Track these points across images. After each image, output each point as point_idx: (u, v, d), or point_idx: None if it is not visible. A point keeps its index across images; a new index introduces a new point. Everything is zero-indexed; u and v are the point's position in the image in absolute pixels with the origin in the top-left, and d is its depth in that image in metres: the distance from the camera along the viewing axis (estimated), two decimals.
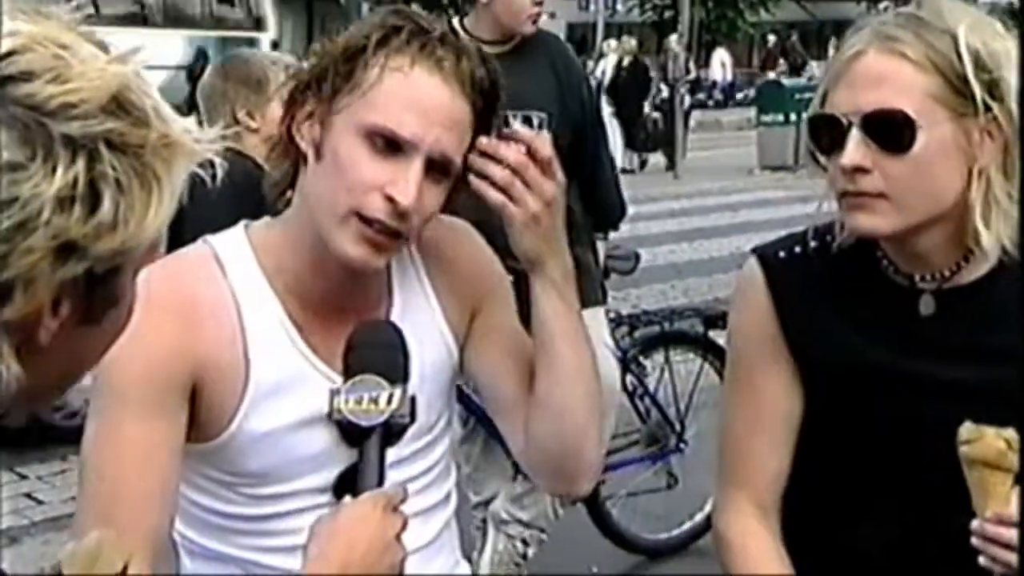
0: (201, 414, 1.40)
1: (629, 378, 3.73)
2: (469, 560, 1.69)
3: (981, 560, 1.29)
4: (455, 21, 3.19)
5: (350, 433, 1.24)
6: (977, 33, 1.35)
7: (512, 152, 1.39)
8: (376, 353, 1.27)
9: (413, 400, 1.25)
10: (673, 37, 15.99)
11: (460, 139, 1.37)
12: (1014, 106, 1.34)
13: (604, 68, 15.82)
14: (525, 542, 3.39)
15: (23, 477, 4.45)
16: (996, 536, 1.28)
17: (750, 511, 1.53)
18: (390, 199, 1.32)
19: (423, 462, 1.51)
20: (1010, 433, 1.28)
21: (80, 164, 0.76)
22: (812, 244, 1.51)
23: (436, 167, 1.35)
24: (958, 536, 1.46)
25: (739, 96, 27.31)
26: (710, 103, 26.45)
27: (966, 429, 1.30)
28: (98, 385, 1.38)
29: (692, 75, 15.33)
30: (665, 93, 15.08)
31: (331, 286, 1.42)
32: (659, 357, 3.83)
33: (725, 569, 1.56)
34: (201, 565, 1.51)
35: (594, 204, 3.34)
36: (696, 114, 19.48)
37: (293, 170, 1.42)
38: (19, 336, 0.78)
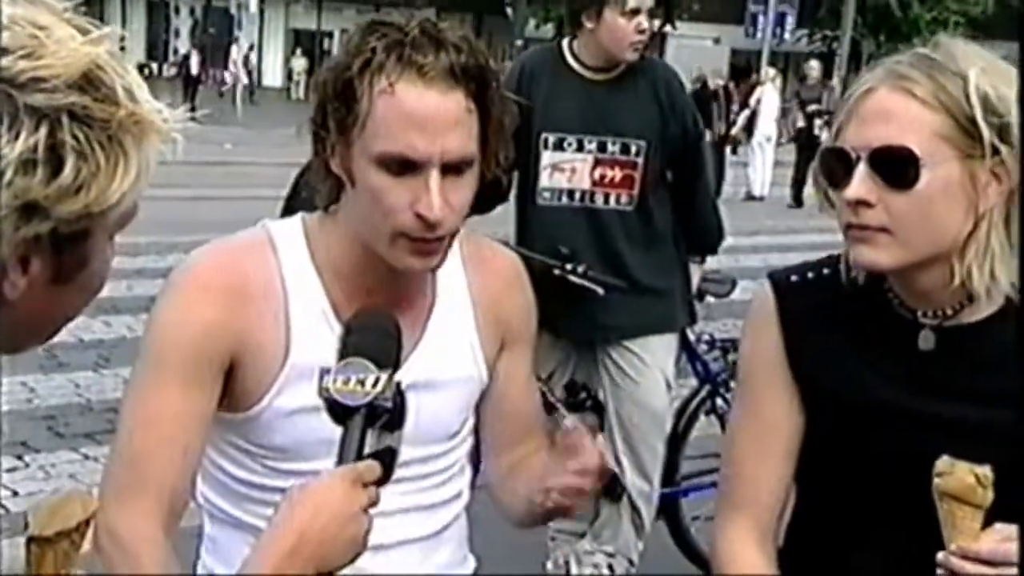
0: (237, 387, 1.48)
1: (720, 401, 3.71)
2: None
3: None
4: (565, 43, 3.25)
5: (336, 411, 1.25)
6: (988, 77, 1.33)
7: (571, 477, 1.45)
8: (370, 338, 1.29)
9: (399, 387, 1.27)
10: (813, 63, 15.48)
11: (467, 131, 1.39)
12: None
13: (760, 96, 15.59)
14: (611, 568, 3.41)
15: None
16: (959, 569, 1.27)
17: (749, 533, 1.53)
18: (420, 216, 1.38)
19: (442, 461, 1.59)
20: (983, 470, 1.27)
21: (42, 131, 0.83)
22: (825, 272, 1.51)
23: (453, 168, 1.39)
24: None
25: None
26: None
27: (941, 462, 1.29)
28: (143, 348, 1.48)
29: (824, 106, 14.83)
30: (801, 122, 14.63)
31: (377, 282, 1.49)
32: None
33: None
34: (219, 528, 1.59)
35: (691, 228, 3.36)
36: None
37: (338, 185, 1.47)
38: None
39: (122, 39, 0.93)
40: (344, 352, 1.28)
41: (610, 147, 3.16)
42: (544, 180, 3.18)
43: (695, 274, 3.44)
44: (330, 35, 35.00)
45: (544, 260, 3.12)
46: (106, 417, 4.95)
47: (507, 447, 1.69)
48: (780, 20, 29.71)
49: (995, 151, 1.32)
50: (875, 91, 1.36)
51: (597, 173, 3.18)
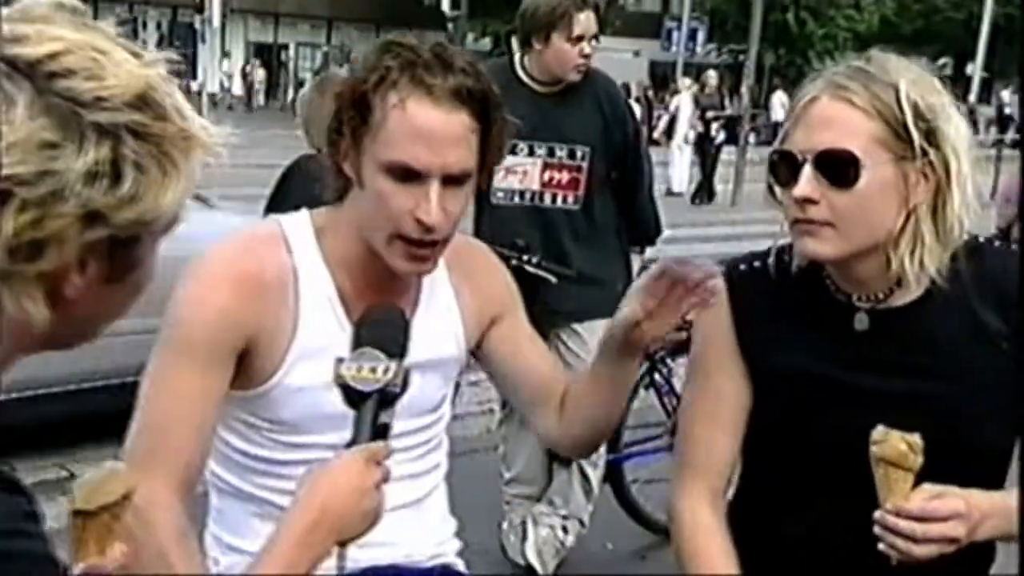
0: (249, 367, 1.48)
1: (657, 376, 3.74)
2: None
3: (880, 547, 1.32)
4: (516, 59, 3.26)
5: (350, 396, 1.27)
6: (916, 87, 1.37)
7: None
8: (380, 330, 1.30)
9: (407, 373, 1.28)
10: (711, 72, 15.56)
11: (468, 148, 1.41)
12: (949, 152, 1.36)
13: (678, 103, 15.71)
14: (565, 529, 3.43)
15: None
16: (894, 526, 1.31)
17: (703, 495, 1.55)
18: (419, 221, 1.40)
19: (424, 434, 1.60)
20: (913, 438, 1.31)
21: (106, 147, 0.83)
22: (770, 261, 1.54)
23: (453, 180, 1.41)
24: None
25: None
26: (770, 140, 26.16)
27: (877, 432, 1.33)
28: (163, 333, 1.47)
29: (728, 111, 14.86)
30: (700, 127, 14.71)
31: (377, 272, 1.49)
32: (684, 359, 3.83)
33: (675, 543, 1.58)
34: (225, 500, 1.59)
35: (633, 222, 3.40)
36: (762, 149, 19.16)
37: (346, 183, 1.48)
38: (49, 286, 0.85)
39: None
40: (358, 342, 1.29)
41: (558, 152, 3.20)
42: (498, 181, 3.19)
43: (635, 263, 3.47)
44: (285, 47, 34.60)
45: (502, 251, 3.12)
46: None
47: (542, 402, 1.68)
48: (692, 35, 30.02)
49: (924, 153, 1.36)
50: (818, 100, 1.38)
51: (546, 175, 3.21)
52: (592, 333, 3.29)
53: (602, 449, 3.43)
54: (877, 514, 1.32)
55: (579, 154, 3.19)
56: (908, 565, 1.34)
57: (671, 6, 36.15)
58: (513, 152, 3.16)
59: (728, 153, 15.32)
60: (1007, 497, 1.37)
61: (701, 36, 30.19)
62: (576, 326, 3.30)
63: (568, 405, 1.64)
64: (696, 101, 14.98)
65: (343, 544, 1.22)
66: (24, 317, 0.85)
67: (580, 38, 3.11)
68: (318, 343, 1.46)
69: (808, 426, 1.48)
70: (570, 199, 3.22)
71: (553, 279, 3.17)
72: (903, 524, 1.30)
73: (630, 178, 3.34)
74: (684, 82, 17.51)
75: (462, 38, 26.30)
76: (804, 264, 1.48)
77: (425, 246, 1.43)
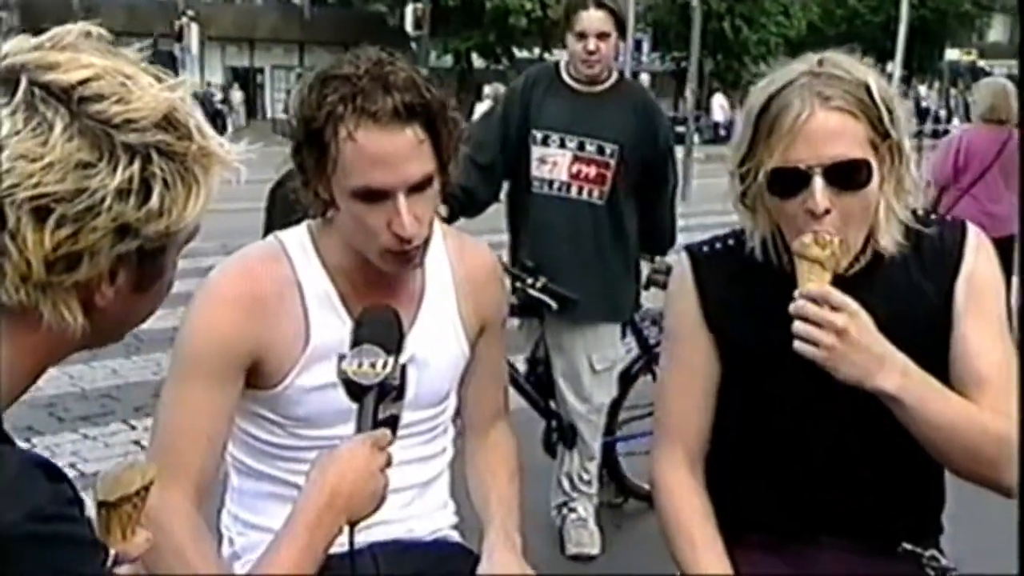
0: (262, 372, 1.48)
1: (655, 366, 3.72)
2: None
3: (796, 344, 1.32)
4: (561, 62, 3.24)
5: (352, 390, 1.28)
6: (875, 79, 1.38)
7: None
8: (377, 329, 1.31)
9: (404, 367, 1.30)
10: (644, 76, 15.65)
11: (423, 156, 1.38)
12: (903, 132, 1.38)
13: None
14: (573, 509, 3.45)
15: (133, 428, 4.56)
16: (802, 309, 1.32)
17: (681, 461, 1.56)
18: (395, 234, 1.39)
19: (433, 422, 1.61)
20: (824, 236, 1.35)
21: (136, 165, 0.84)
22: (731, 243, 1.56)
23: (417, 187, 1.39)
24: (852, 491, 1.50)
25: None
26: (713, 139, 26.42)
27: (806, 236, 1.36)
28: (176, 355, 1.47)
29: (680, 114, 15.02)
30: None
31: (374, 275, 1.49)
32: None
33: (656, 506, 1.59)
34: (244, 480, 1.60)
35: (650, 229, 3.33)
36: (707, 148, 19.39)
37: (326, 204, 1.46)
38: (84, 296, 0.86)
39: None
40: (357, 340, 1.30)
41: (588, 147, 3.16)
42: (533, 170, 3.19)
43: (645, 268, 3.42)
44: (261, 71, 34.31)
45: (510, 270, 3.11)
46: (99, 403, 4.85)
47: (475, 431, 1.74)
48: (638, 45, 30.06)
49: (888, 136, 1.37)
50: (814, 115, 1.35)
51: (575, 168, 3.16)
52: (581, 335, 3.28)
53: (601, 428, 3.46)
54: (791, 306, 1.33)
55: (608, 151, 3.14)
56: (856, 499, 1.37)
57: None
58: (546, 143, 3.17)
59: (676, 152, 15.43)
60: (949, 395, 1.38)
61: (646, 46, 30.27)
62: (572, 322, 3.25)
63: (468, 471, 1.72)
64: None
65: (353, 524, 1.23)
66: (61, 326, 0.86)
67: (583, 34, 3.09)
68: (327, 345, 1.46)
69: (767, 395, 1.50)
70: (595, 193, 3.16)
71: (554, 304, 3.15)
72: (811, 308, 1.31)
73: (655, 186, 3.28)
74: None
75: (425, 56, 26.28)
76: (761, 245, 1.48)
77: (409, 251, 1.43)
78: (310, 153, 1.39)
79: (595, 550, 3.40)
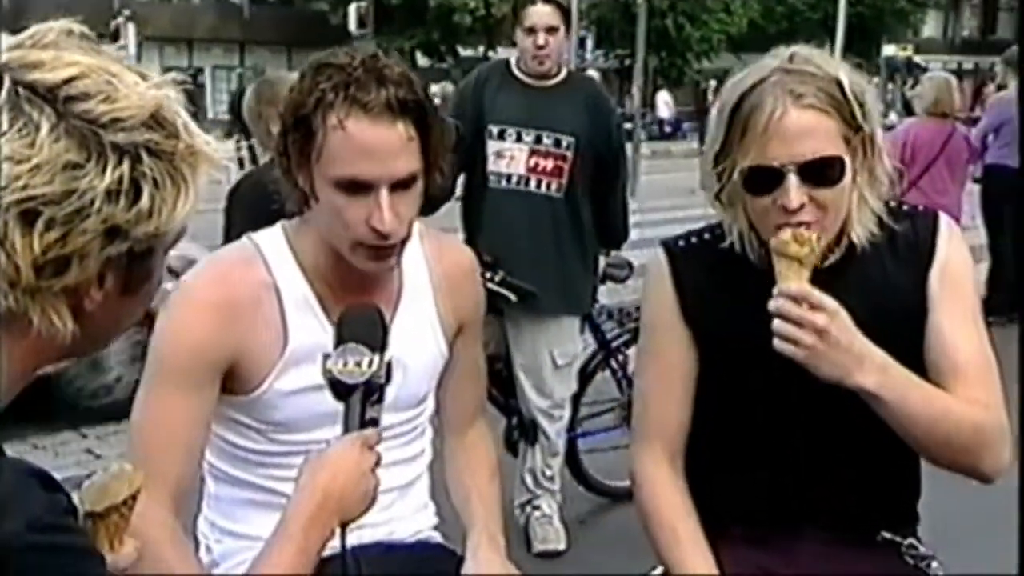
0: (238, 378, 1.45)
1: (612, 361, 3.75)
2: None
3: (775, 342, 1.33)
4: (512, 58, 3.27)
5: (338, 389, 1.26)
6: (846, 74, 1.39)
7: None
8: (361, 327, 1.29)
9: (389, 365, 1.27)
10: (592, 73, 15.81)
11: (410, 154, 1.37)
12: (874, 123, 1.39)
13: None
14: (536, 507, 3.47)
15: (84, 436, 4.47)
16: (781, 307, 1.32)
17: (661, 458, 1.56)
18: (374, 228, 1.37)
19: (410, 424, 1.60)
20: (809, 234, 1.35)
21: (125, 165, 0.81)
22: (706, 237, 1.56)
23: (401, 184, 1.37)
24: (830, 482, 1.51)
25: (686, 130, 27.54)
26: (659, 135, 26.69)
27: (785, 234, 1.36)
28: (151, 361, 1.43)
29: (625, 110, 15.09)
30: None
31: (351, 275, 1.47)
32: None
33: (636, 501, 1.59)
34: (221, 487, 1.57)
35: (603, 224, 3.35)
36: (653, 144, 19.56)
37: (304, 195, 1.44)
38: (73, 300, 0.83)
39: None
40: (340, 339, 1.28)
41: (544, 140, 3.18)
42: (490, 165, 3.19)
43: (601, 261, 3.45)
44: (201, 71, 33.82)
45: None
46: None
47: (454, 431, 1.72)
48: (581, 43, 30.19)
49: (860, 128, 1.38)
50: (787, 113, 1.35)
51: (532, 161, 3.18)
52: (543, 329, 3.28)
53: (564, 422, 3.46)
54: (770, 304, 1.33)
55: (564, 143, 3.17)
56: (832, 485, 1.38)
57: None
58: (502, 137, 3.18)
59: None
60: (927, 388, 1.39)
61: (590, 44, 30.42)
62: (533, 317, 3.26)
63: (448, 471, 1.71)
64: None
65: (344, 524, 1.22)
66: (51, 331, 0.83)
67: (533, 29, 3.12)
68: (305, 348, 1.44)
69: (745, 389, 1.50)
70: (553, 186, 3.19)
71: (514, 297, 3.15)
72: (790, 306, 1.31)
73: (608, 180, 3.30)
74: None
75: None
76: (739, 239, 1.49)
77: (384, 248, 1.41)
78: (295, 140, 1.37)
79: (561, 546, 3.41)
